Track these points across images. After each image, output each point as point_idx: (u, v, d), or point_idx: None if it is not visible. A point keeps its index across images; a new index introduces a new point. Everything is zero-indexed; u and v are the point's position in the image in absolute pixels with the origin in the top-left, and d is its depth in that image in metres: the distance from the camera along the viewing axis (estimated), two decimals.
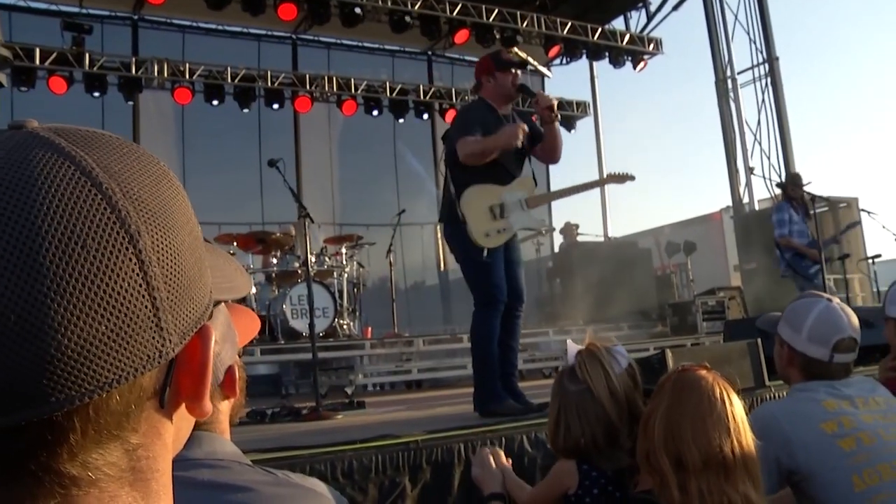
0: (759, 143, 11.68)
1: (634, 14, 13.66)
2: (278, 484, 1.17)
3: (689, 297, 10.63)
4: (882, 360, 2.87)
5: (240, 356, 1.24)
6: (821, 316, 2.19)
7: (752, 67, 11.90)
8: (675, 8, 13.18)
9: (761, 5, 11.68)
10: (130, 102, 11.37)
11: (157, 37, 11.84)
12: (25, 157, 0.44)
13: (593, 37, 12.52)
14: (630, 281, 10.10)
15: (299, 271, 7.96)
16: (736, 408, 1.68)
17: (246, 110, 11.77)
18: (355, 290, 8.86)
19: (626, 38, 12.92)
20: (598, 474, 1.97)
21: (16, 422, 0.42)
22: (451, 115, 12.31)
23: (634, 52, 12.96)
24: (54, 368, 0.42)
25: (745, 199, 11.80)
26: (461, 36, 11.68)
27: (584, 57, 13.01)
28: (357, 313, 8.86)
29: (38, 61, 9.93)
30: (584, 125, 14.88)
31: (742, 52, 12.09)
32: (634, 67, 13.11)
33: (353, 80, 12.31)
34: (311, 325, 5.13)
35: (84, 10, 11.10)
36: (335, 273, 8.52)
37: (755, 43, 11.81)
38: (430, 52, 14.09)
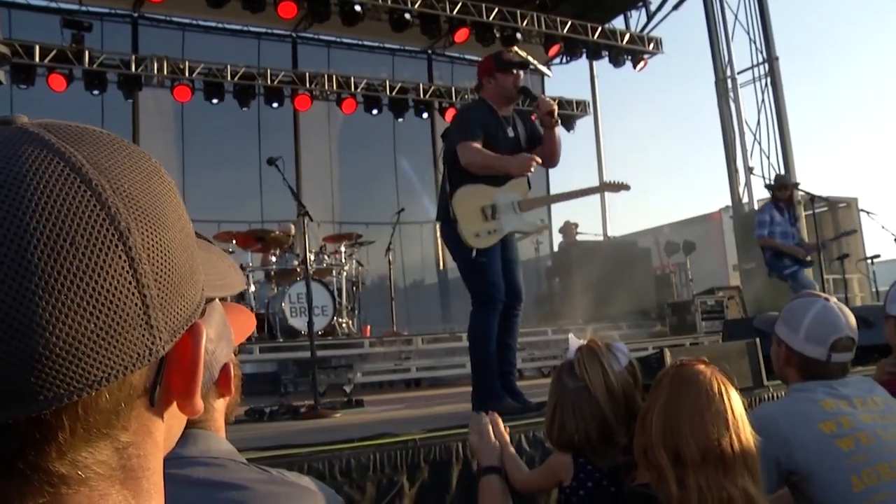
0: (759, 143, 11.69)
1: (634, 13, 13.66)
2: (273, 482, 1.17)
3: (688, 297, 10.64)
4: (881, 361, 2.87)
5: (236, 354, 1.24)
6: (818, 316, 2.19)
7: (751, 67, 11.90)
8: (676, 7, 13.18)
9: (761, 5, 11.68)
10: (130, 100, 11.36)
11: (156, 34, 11.83)
12: (14, 154, 0.44)
13: (593, 36, 12.52)
14: (629, 280, 10.10)
15: (298, 269, 7.95)
16: (734, 402, 1.67)
17: (245, 108, 11.76)
18: (354, 288, 8.86)
19: (626, 37, 12.92)
20: (594, 468, 1.97)
21: (3, 420, 0.41)
22: (450, 113, 12.30)
23: (634, 51, 12.96)
24: (42, 366, 0.41)
25: (745, 199, 11.80)
26: (461, 35, 11.68)
27: (584, 56, 13.01)
28: (356, 312, 8.87)
29: (37, 59, 9.92)
30: (584, 124, 14.90)
31: (742, 52, 12.09)
32: (634, 67, 13.11)
33: (352, 79, 12.31)
34: (310, 324, 5.12)
35: (84, 8, 11.09)
36: (334, 271, 8.53)
37: (755, 43, 11.81)
38: (430, 51, 14.08)
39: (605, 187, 4.81)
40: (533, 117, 4.46)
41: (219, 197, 11.58)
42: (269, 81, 11.60)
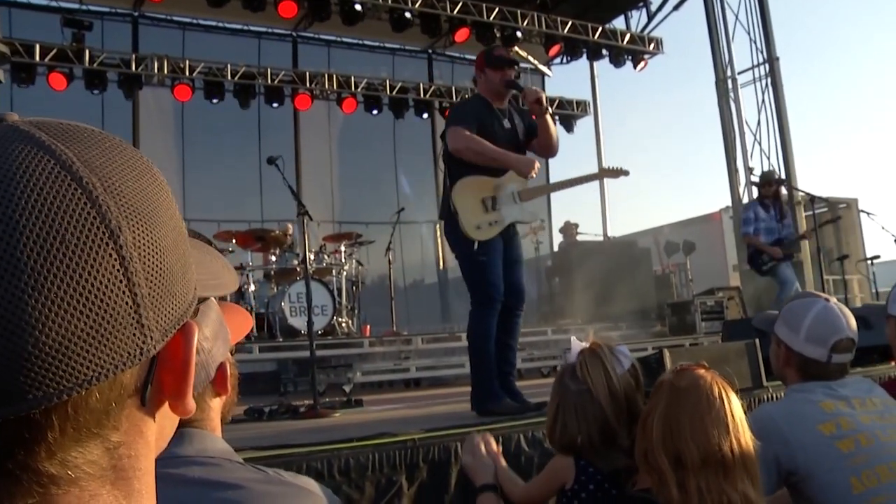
0: (759, 144, 11.68)
1: (635, 13, 13.65)
2: (269, 482, 1.16)
3: (687, 297, 10.64)
4: None
5: (232, 353, 1.24)
6: (819, 316, 2.18)
7: (752, 68, 11.89)
8: (676, 7, 13.17)
9: (762, 5, 11.67)
10: (130, 99, 11.36)
11: (157, 33, 11.83)
12: (4, 151, 0.44)
13: (594, 36, 12.51)
14: (629, 280, 10.11)
15: (298, 269, 7.95)
16: (734, 406, 1.67)
17: (246, 108, 11.75)
18: (354, 288, 8.86)
19: (627, 37, 12.91)
20: (595, 471, 1.97)
21: None
22: None
23: (635, 51, 12.95)
24: (32, 365, 0.41)
25: (745, 200, 11.77)
26: (461, 34, 11.67)
27: (585, 56, 13.00)
28: (356, 311, 8.87)
29: (37, 57, 9.92)
30: (585, 124, 14.88)
31: (742, 52, 12.08)
32: (635, 67, 13.11)
33: (353, 78, 12.31)
34: (310, 323, 5.12)
35: (84, 7, 11.09)
36: (334, 271, 8.52)
37: (755, 43, 11.80)
38: (430, 51, 14.08)
39: (603, 173, 4.78)
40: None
41: (219, 196, 11.58)
42: (269, 81, 11.60)
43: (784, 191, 8.48)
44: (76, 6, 10.97)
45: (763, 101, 11.69)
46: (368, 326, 9.40)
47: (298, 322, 7.57)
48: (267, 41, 12.74)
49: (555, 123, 4.45)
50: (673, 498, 1.60)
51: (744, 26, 11.90)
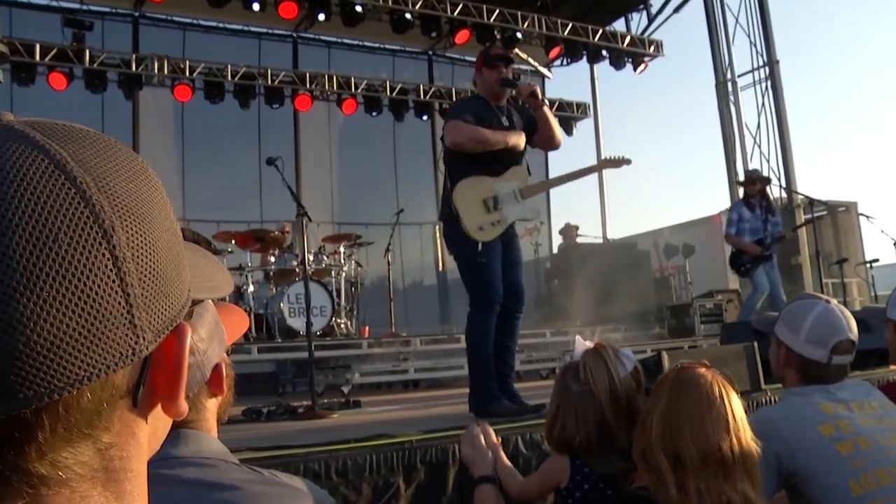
0: (759, 146, 11.70)
1: (635, 16, 13.68)
2: (265, 483, 1.16)
3: (686, 300, 10.64)
4: None
5: (228, 354, 1.24)
6: (819, 318, 2.18)
7: (752, 70, 11.92)
8: (677, 10, 13.20)
9: (762, 8, 11.69)
10: (130, 99, 11.37)
11: (157, 34, 11.84)
12: None
13: (594, 38, 12.52)
14: (628, 283, 10.11)
15: (297, 270, 7.95)
16: (735, 406, 1.66)
17: (246, 108, 11.76)
18: (353, 289, 8.86)
19: (627, 39, 12.92)
20: (590, 471, 1.97)
21: None
22: None
23: (635, 53, 12.96)
24: (23, 364, 0.41)
25: None
26: (462, 36, 11.69)
27: (585, 59, 13.01)
28: (355, 312, 8.86)
29: (38, 57, 9.93)
30: (584, 127, 14.91)
31: (742, 55, 12.11)
32: (635, 69, 13.12)
33: (353, 79, 12.31)
34: (308, 324, 5.12)
35: (85, 7, 11.10)
36: (333, 272, 8.52)
37: (755, 46, 11.83)
38: (430, 52, 14.09)
39: (604, 164, 4.73)
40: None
41: (218, 196, 11.59)
42: (269, 81, 11.61)
43: (775, 190, 8.40)
44: (77, 6, 10.98)
45: (763, 104, 11.72)
46: (367, 327, 9.40)
47: (297, 323, 7.56)
48: (267, 42, 12.76)
49: (554, 116, 4.43)
50: (672, 498, 1.59)
51: (744, 29, 11.94)
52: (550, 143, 4.42)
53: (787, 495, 2.14)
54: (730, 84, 12.07)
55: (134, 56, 10.82)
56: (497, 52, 4.40)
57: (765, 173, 11.49)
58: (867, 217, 8.99)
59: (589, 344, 2.06)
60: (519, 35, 11.79)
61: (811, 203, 8.34)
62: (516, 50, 12.53)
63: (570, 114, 14.21)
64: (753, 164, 11.69)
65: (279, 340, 7.57)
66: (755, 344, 3.95)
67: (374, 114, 12.76)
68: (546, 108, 4.28)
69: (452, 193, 4.14)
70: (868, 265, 10.36)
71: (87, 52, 10.27)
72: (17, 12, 10.60)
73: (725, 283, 12.91)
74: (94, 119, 10.88)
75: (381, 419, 4.57)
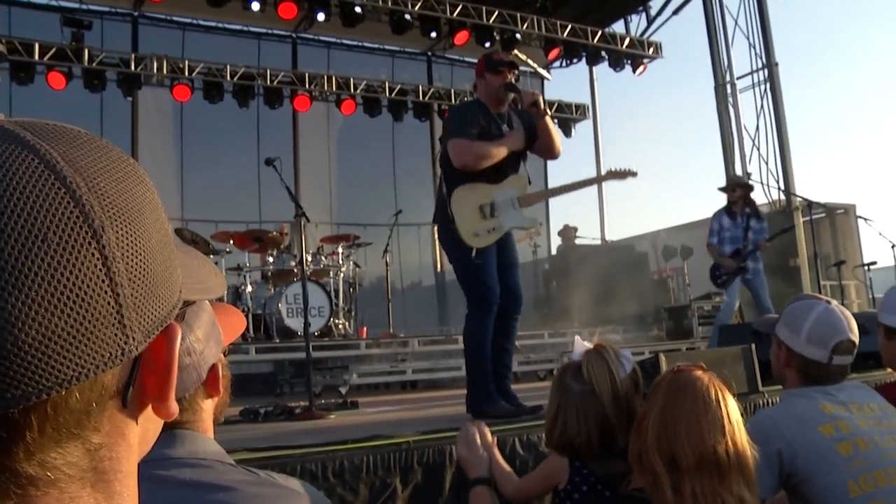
0: (758, 149, 11.70)
1: (635, 18, 13.69)
2: (261, 484, 1.16)
3: (685, 302, 10.64)
4: None
5: (225, 354, 1.23)
6: (820, 318, 2.19)
7: (751, 73, 11.92)
8: (676, 12, 13.21)
9: (761, 11, 11.70)
10: (129, 99, 11.36)
11: (156, 33, 11.83)
12: None
13: (593, 40, 12.53)
14: (627, 284, 10.11)
15: (295, 270, 7.95)
16: (731, 409, 1.66)
17: (245, 109, 11.75)
18: (351, 289, 8.85)
19: (626, 41, 12.93)
20: (589, 473, 1.96)
21: None
22: None
23: (634, 55, 12.97)
24: (10, 363, 0.41)
25: None
26: (461, 37, 11.68)
27: (584, 60, 13.02)
28: (353, 313, 8.86)
29: (37, 56, 9.91)
30: (583, 128, 14.90)
31: (741, 57, 12.11)
32: (634, 71, 13.13)
33: (352, 80, 12.31)
34: (306, 325, 5.12)
35: (84, 6, 11.09)
36: (331, 272, 8.52)
37: (754, 48, 11.83)
38: (429, 53, 14.09)
39: (609, 175, 4.66)
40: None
41: (217, 197, 11.58)
42: (268, 82, 11.60)
43: (773, 193, 8.10)
44: (76, 5, 10.97)
45: (762, 106, 11.72)
46: (365, 328, 9.40)
47: (295, 323, 7.56)
48: (266, 42, 12.75)
49: (555, 125, 4.42)
50: (667, 500, 1.59)
51: (743, 32, 11.94)
52: (550, 153, 4.41)
53: (786, 496, 2.14)
54: (729, 86, 12.07)
55: (133, 56, 10.81)
56: (500, 57, 4.36)
57: (763, 175, 11.53)
58: (865, 219, 9.01)
59: (588, 345, 2.06)
60: (518, 36, 11.79)
61: (809, 205, 8.34)
62: (515, 51, 12.55)
63: (568, 115, 14.22)
64: (752, 167, 11.71)
65: (277, 341, 7.57)
66: (752, 346, 3.95)
67: (374, 114, 12.74)
68: (548, 119, 4.27)
69: (450, 198, 4.13)
70: (866, 268, 10.37)
71: (86, 51, 10.25)
72: (16, 11, 10.59)
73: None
74: (93, 119, 10.88)
75: (379, 420, 4.57)
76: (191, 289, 0.56)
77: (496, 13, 11.53)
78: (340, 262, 8.70)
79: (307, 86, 11.92)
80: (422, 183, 13.71)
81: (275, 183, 5.32)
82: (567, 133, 14.18)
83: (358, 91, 12.35)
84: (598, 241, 13.41)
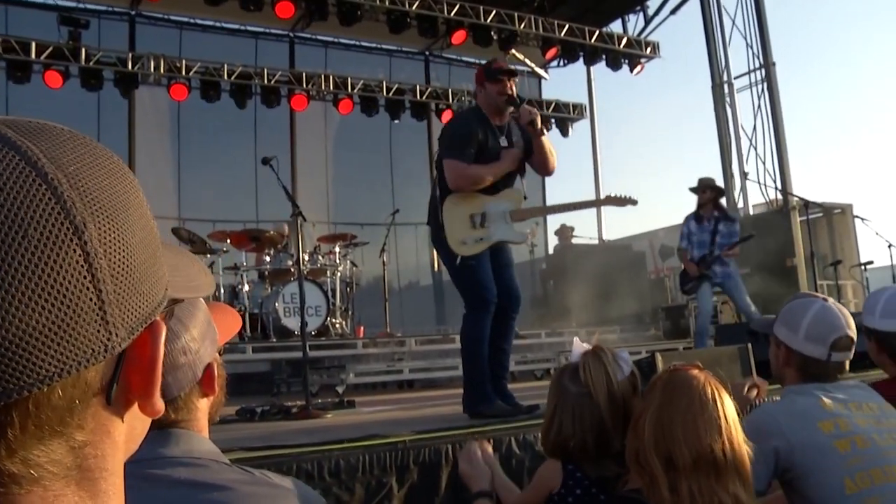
0: (755, 148, 11.72)
1: (632, 17, 13.70)
2: (256, 483, 1.16)
3: (682, 301, 10.64)
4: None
5: (221, 354, 1.23)
6: (817, 315, 2.19)
7: (748, 73, 11.94)
8: (673, 12, 13.22)
9: (759, 11, 11.71)
10: (126, 98, 11.34)
11: (153, 33, 11.82)
12: None
13: (591, 39, 12.53)
14: (624, 284, 10.12)
15: (292, 269, 7.94)
16: (727, 408, 1.67)
17: (242, 108, 11.73)
18: (348, 289, 8.86)
19: (624, 41, 12.93)
20: (583, 476, 1.96)
21: None
22: (447, 115, 12.30)
23: (632, 55, 12.97)
24: None
25: (740, 205, 11.82)
26: (459, 36, 11.68)
27: (582, 60, 13.02)
28: (350, 312, 8.86)
29: (33, 55, 9.88)
30: (581, 127, 14.91)
31: (739, 57, 12.13)
32: (631, 71, 13.13)
33: (349, 79, 12.29)
34: (303, 324, 5.12)
35: (81, 5, 11.08)
36: (328, 272, 8.51)
37: (752, 48, 11.84)
38: (427, 53, 14.08)
39: (608, 201, 4.62)
40: None
41: (214, 196, 11.58)
42: (265, 81, 11.58)
43: (770, 192, 7.98)
44: (73, 4, 10.96)
45: (759, 106, 11.73)
46: (362, 328, 9.40)
47: (292, 322, 7.56)
48: (264, 41, 12.75)
49: (549, 138, 4.39)
50: (664, 499, 1.59)
51: (740, 31, 11.95)
52: (544, 170, 4.39)
53: (784, 494, 2.15)
54: (726, 86, 12.09)
55: (130, 55, 10.78)
56: (499, 65, 4.33)
57: (760, 175, 11.55)
58: (862, 219, 9.03)
59: (587, 346, 2.06)
60: (516, 36, 11.79)
61: (806, 205, 8.35)
62: (513, 50, 12.55)
63: (566, 115, 14.22)
64: (749, 166, 11.72)
65: (274, 340, 7.57)
66: (749, 346, 3.95)
67: (372, 114, 12.73)
68: (544, 139, 4.27)
69: (442, 204, 4.14)
70: (863, 267, 10.38)
71: (83, 50, 10.23)
72: (13, 10, 10.58)
73: None
74: (90, 118, 10.86)
75: (375, 419, 4.57)
76: (178, 287, 0.56)
77: (494, 13, 11.52)
78: (337, 261, 8.69)
79: (304, 85, 11.90)
80: (419, 182, 13.68)
81: (272, 182, 5.31)
82: (564, 133, 14.18)
83: (355, 90, 12.33)
84: (595, 241, 13.43)
